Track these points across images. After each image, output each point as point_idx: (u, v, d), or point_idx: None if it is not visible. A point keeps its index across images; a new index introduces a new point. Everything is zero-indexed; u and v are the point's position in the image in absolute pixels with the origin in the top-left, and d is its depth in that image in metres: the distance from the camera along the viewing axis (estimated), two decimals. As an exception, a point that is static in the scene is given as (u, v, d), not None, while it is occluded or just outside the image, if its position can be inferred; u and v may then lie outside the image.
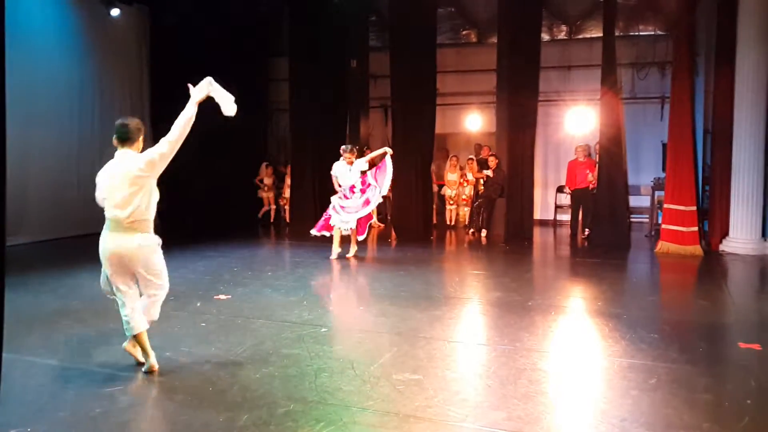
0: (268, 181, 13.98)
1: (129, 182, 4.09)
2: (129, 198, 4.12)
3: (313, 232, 9.09)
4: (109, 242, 4.20)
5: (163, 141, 4.14)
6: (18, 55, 9.90)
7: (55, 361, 4.57)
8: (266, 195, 13.98)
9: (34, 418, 3.57)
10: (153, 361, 4.30)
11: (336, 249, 8.95)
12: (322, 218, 9.10)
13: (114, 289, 4.30)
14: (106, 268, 4.26)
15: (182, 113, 4.20)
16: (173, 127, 4.16)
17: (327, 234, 9.03)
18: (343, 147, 9.03)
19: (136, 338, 4.29)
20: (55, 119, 10.78)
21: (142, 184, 4.13)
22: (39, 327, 5.41)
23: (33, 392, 4.00)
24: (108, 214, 4.20)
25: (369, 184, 8.97)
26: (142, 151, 4.24)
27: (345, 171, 8.94)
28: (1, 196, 1.79)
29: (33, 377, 4.26)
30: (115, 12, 11.72)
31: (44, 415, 3.63)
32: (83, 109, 11.43)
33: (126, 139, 4.18)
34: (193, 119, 4.22)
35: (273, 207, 14.01)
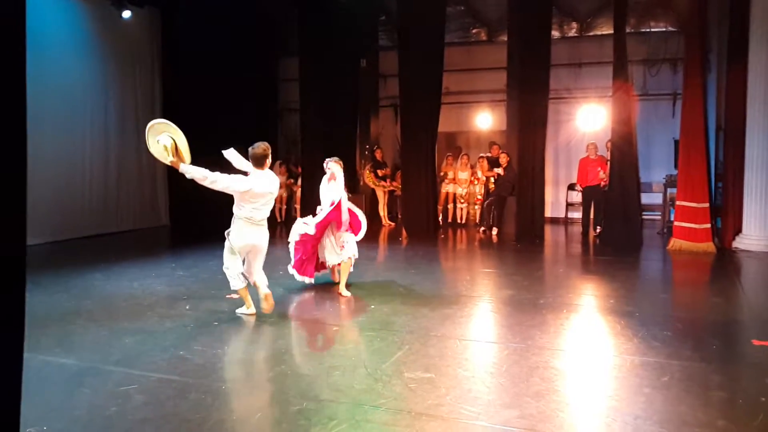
0: (281, 179, 14.02)
1: (273, 194, 5.68)
2: (270, 205, 5.69)
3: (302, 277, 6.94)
4: (252, 234, 5.60)
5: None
6: (29, 57, 9.96)
7: (70, 360, 4.61)
8: (279, 193, 14.02)
9: (49, 417, 3.60)
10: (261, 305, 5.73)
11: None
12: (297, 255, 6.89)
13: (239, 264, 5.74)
14: (243, 253, 5.67)
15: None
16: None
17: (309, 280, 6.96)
18: (328, 159, 6.96)
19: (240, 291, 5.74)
20: (66, 120, 10.86)
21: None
22: (53, 326, 5.46)
23: (48, 391, 4.04)
24: (255, 214, 5.53)
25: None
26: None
27: (325, 188, 6.94)
28: (22, 198, 1.82)
29: (48, 376, 4.30)
30: (126, 14, 11.79)
31: (60, 414, 3.66)
32: (95, 110, 11.52)
33: (261, 163, 5.55)
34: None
35: (284, 207, 14.06)
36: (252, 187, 5.40)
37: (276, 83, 14.71)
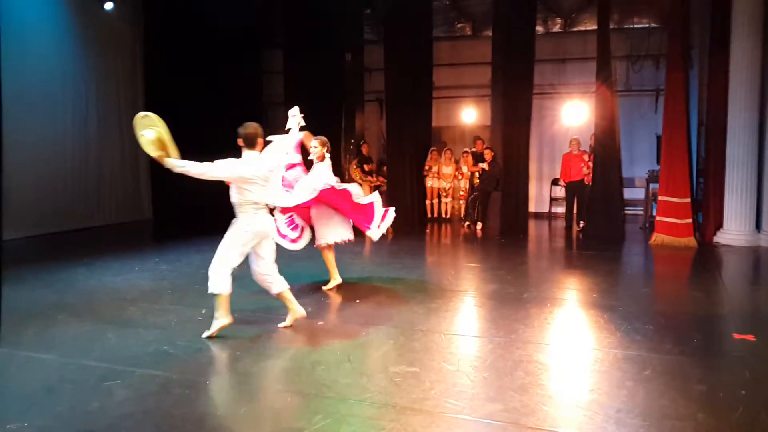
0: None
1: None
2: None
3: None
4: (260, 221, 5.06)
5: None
6: (10, 49, 9.85)
7: (51, 355, 4.56)
8: None
9: (31, 413, 3.57)
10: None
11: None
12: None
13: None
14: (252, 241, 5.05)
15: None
16: None
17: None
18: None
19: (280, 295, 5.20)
20: (48, 113, 10.73)
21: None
22: (35, 321, 5.40)
23: (30, 387, 4.00)
24: (258, 199, 5.05)
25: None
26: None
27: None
28: (-1, 191, 1.79)
29: (30, 372, 4.26)
30: (108, 5, 11.67)
31: (41, 410, 3.63)
32: (77, 102, 11.39)
33: (249, 144, 5.07)
34: None
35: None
36: (253, 169, 4.98)
37: (261, 76, 14.62)
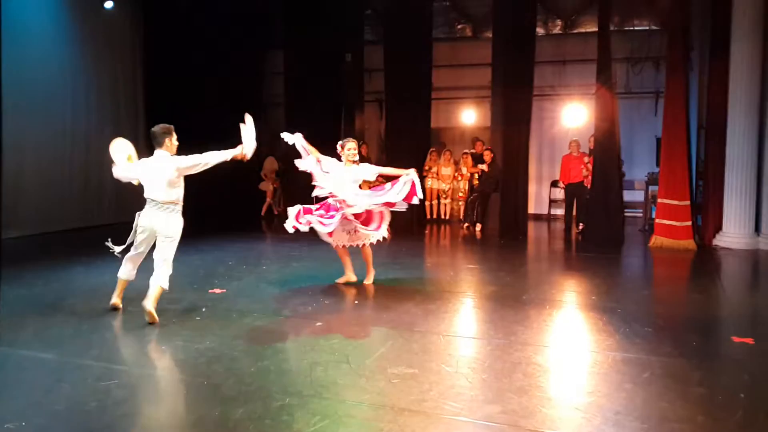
0: (271, 174, 14.01)
1: (166, 180, 5.26)
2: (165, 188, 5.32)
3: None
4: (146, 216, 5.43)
5: (197, 158, 5.30)
6: (10, 48, 9.86)
7: (49, 354, 4.55)
8: (269, 188, 14.00)
9: (28, 412, 3.55)
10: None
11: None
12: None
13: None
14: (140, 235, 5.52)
15: (222, 153, 5.37)
16: (209, 156, 5.32)
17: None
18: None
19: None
20: (48, 112, 10.73)
21: (175, 181, 5.33)
22: (33, 320, 5.39)
23: (27, 386, 3.99)
24: (147, 194, 5.40)
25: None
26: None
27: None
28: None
29: (27, 371, 4.25)
30: (108, 4, 11.67)
31: (39, 409, 3.62)
32: (76, 101, 11.39)
33: (156, 143, 5.33)
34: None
35: (269, 200, 14.03)
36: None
37: (261, 76, 14.64)
